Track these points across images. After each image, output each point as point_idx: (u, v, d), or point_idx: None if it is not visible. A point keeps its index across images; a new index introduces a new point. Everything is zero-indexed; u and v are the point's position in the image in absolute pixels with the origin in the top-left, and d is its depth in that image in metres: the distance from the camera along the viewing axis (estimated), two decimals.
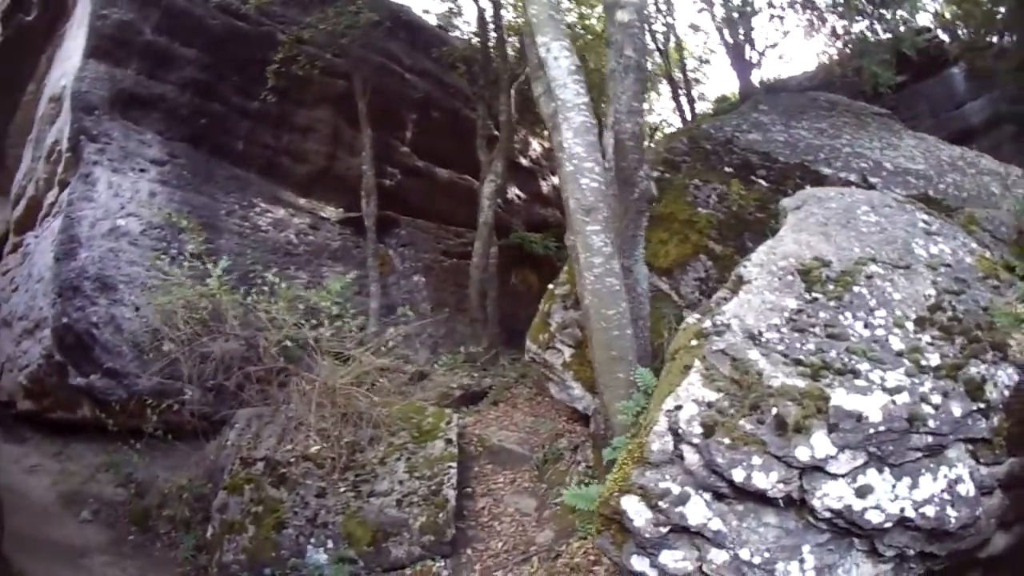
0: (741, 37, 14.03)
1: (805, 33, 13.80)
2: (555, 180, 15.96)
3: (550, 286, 9.13)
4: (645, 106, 14.20)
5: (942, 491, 4.46)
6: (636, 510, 4.53)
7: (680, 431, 4.64)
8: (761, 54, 14.36)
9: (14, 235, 11.74)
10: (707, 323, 5.23)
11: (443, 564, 7.17)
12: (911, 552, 4.53)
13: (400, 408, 8.54)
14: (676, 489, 4.53)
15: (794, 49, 43.79)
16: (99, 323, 9.36)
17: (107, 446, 9.70)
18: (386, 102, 11.93)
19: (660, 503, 4.51)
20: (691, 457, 4.57)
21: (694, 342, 5.14)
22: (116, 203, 9.95)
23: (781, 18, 13.36)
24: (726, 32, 14.33)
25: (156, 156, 10.47)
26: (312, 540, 7.14)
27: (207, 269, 8.80)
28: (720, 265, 8.33)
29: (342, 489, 7.61)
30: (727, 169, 9.45)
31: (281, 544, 7.06)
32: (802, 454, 4.40)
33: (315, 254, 11.15)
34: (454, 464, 8.11)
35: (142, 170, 10.27)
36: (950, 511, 4.42)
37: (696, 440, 4.57)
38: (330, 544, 7.14)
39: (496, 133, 12.69)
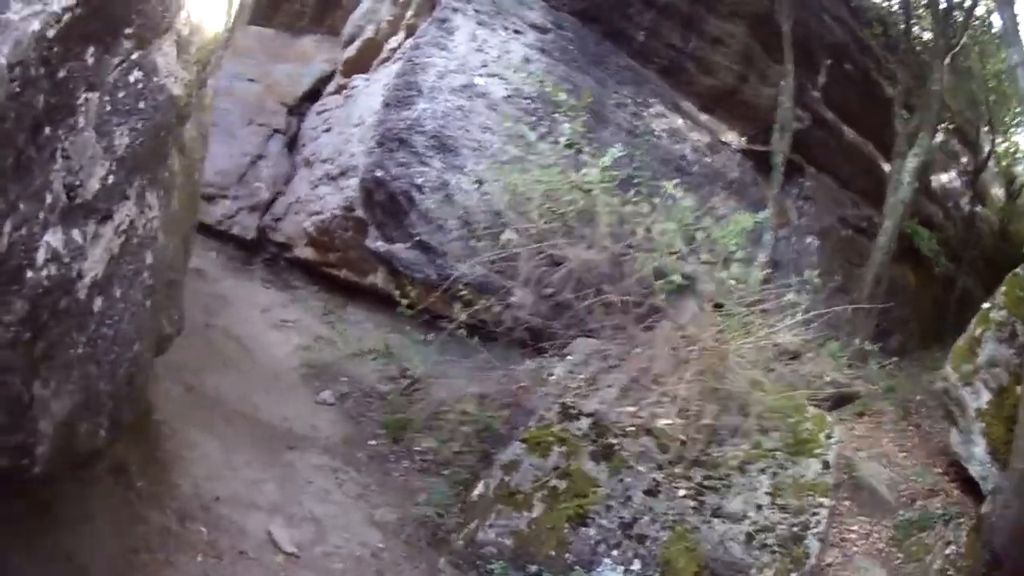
0: None
1: None
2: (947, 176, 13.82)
3: (985, 305, 7.04)
4: None
5: None
6: None
7: None
8: None
9: (341, 76, 10.69)
10: None
11: None
12: None
13: (776, 399, 6.44)
14: None
15: None
16: (424, 187, 7.91)
17: (388, 326, 8.36)
18: (802, 39, 9.82)
19: None
20: None
21: None
22: (477, 59, 8.38)
23: None
24: None
25: (538, 21, 8.76)
26: (614, 553, 5.01)
27: (581, 159, 7.06)
28: None
29: (681, 492, 5.46)
30: None
31: (571, 544, 5.00)
32: None
33: (709, 179, 9.17)
34: (826, 502, 5.72)
35: (517, 31, 8.60)
36: None
37: None
38: (636, 567, 4.99)
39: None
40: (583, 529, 5.08)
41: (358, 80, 10.17)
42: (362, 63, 10.30)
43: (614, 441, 5.36)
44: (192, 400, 6.21)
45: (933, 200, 13.36)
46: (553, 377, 6.27)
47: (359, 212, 8.78)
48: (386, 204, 8.25)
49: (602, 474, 5.16)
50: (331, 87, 10.73)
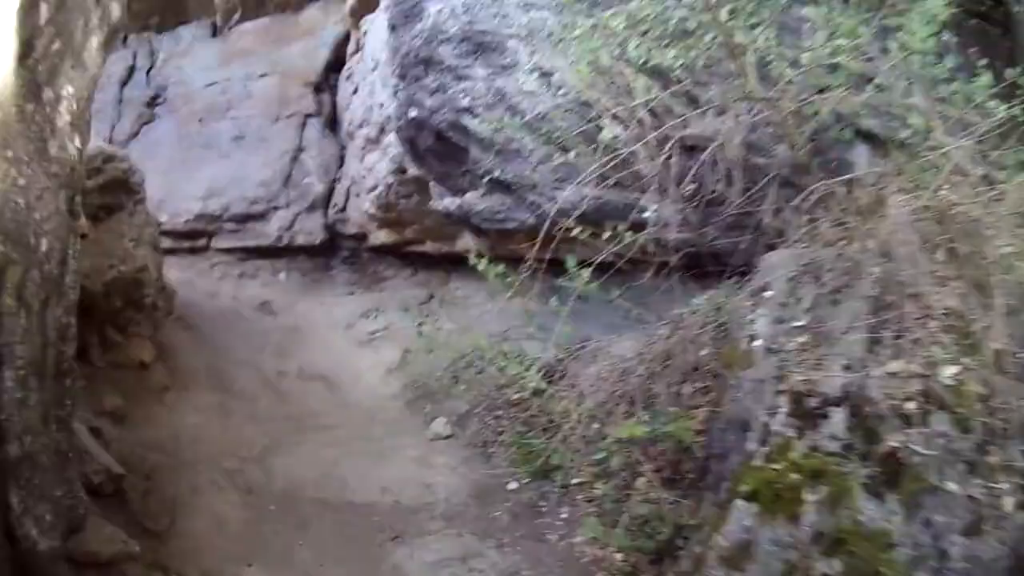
0: None
1: None
2: None
3: None
4: None
5: None
6: None
7: None
8: None
9: (353, 31, 8.49)
10: None
11: None
12: None
13: None
14: None
15: None
16: (474, 107, 5.67)
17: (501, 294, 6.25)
18: None
19: None
20: None
21: None
22: None
23: None
24: None
25: None
26: None
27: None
28: None
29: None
30: None
31: None
32: None
33: None
34: None
35: None
36: None
37: None
38: None
39: None
40: None
41: (366, 22, 7.97)
42: (369, 3, 8.04)
43: (894, 444, 2.83)
44: (252, 506, 4.53)
45: None
46: (756, 337, 3.78)
47: (412, 170, 6.70)
48: (436, 148, 6.14)
49: (894, 519, 2.77)
50: (351, 47, 8.62)
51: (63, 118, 3.28)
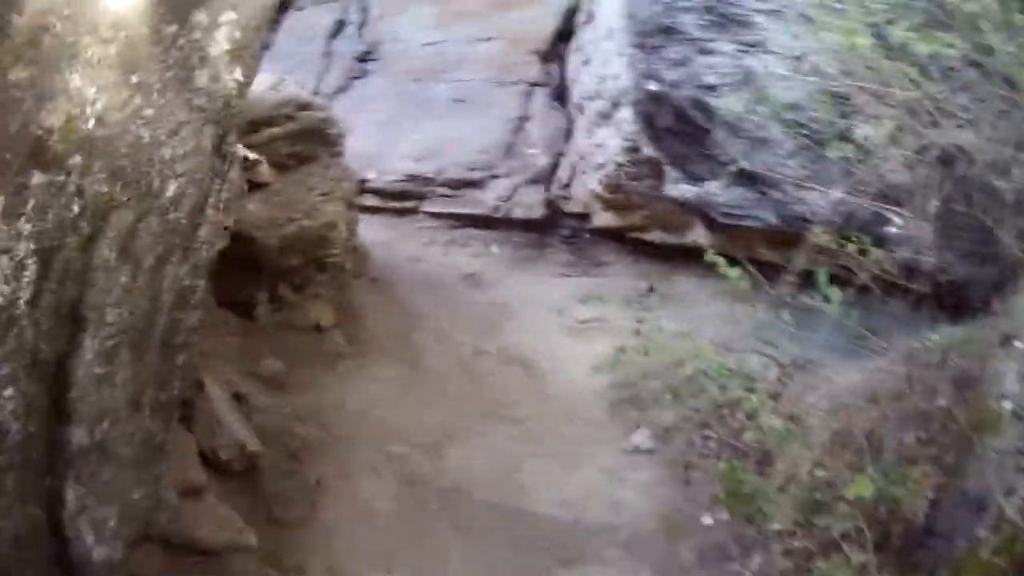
0: None
1: None
2: None
3: None
4: None
5: None
6: None
7: None
8: None
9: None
10: None
11: None
12: None
13: None
14: None
15: None
16: (721, 85, 5.02)
17: (728, 298, 5.42)
18: None
19: None
20: None
21: None
22: None
23: None
24: None
25: None
26: None
27: None
28: None
29: None
30: None
31: None
32: None
33: None
34: None
35: None
36: None
37: None
38: None
39: None
40: None
41: None
42: None
43: None
44: (411, 499, 4.16)
45: None
46: (1005, 397, 2.91)
47: (647, 150, 6.13)
48: (676, 127, 5.60)
49: None
50: (582, 16, 8.11)
51: (220, 46, 2.73)
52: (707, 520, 4.11)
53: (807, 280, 3.85)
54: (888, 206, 3.64)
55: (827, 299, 3.76)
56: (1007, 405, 2.71)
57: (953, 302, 3.81)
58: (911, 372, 3.44)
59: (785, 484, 3.71)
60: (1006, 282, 3.39)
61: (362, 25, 9.45)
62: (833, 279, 3.58)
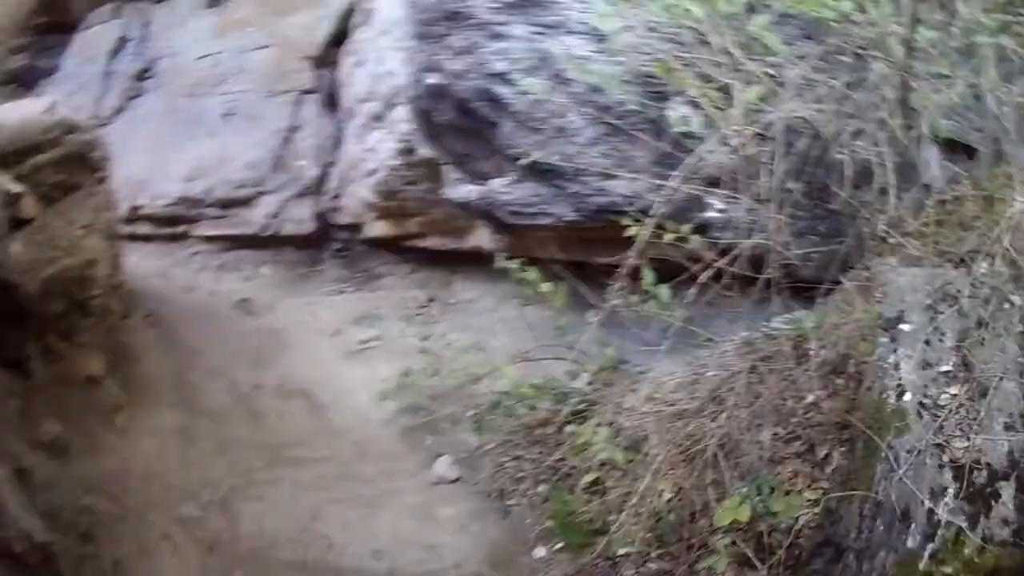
0: None
1: None
2: None
3: None
4: None
5: None
6: None
7: None
8: None
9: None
10: None
11: None
12: None
13: None
14: None
15: None
16: (511, 73, 4.63)
17: (516, 301, 5.20)
18: None
19: None
20: None
21: None
22: None
23: None
24: None
25: None
26: None
27: None
28: None
29: None
30: None
31: None
32: None
33: None
34: None
35: None
36: None
37: None
38: None
39: None
40: None
41: None
42: None
43: None
44: (213, 571, 3.52)
45: None
46: (904, 389, 2.70)
47: (423, 150, 5.62)
48: (457, 123, 5.12)
49: None
50: (359, 17, 7.53)
51: None
52: (540, 552, 3.65)
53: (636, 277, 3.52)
54: (709, 189, 3.41)
55: (653, 296, 3.49)
56: (908, 397, 2.50)
57: (805, 286, 3.65)
58: (755, 365, 3.22)
59: (626, 503, 3.31)
60: (852, 259, 3.31)
61: (142, 41, 8.37)
62: (671, 275, 3.29)
